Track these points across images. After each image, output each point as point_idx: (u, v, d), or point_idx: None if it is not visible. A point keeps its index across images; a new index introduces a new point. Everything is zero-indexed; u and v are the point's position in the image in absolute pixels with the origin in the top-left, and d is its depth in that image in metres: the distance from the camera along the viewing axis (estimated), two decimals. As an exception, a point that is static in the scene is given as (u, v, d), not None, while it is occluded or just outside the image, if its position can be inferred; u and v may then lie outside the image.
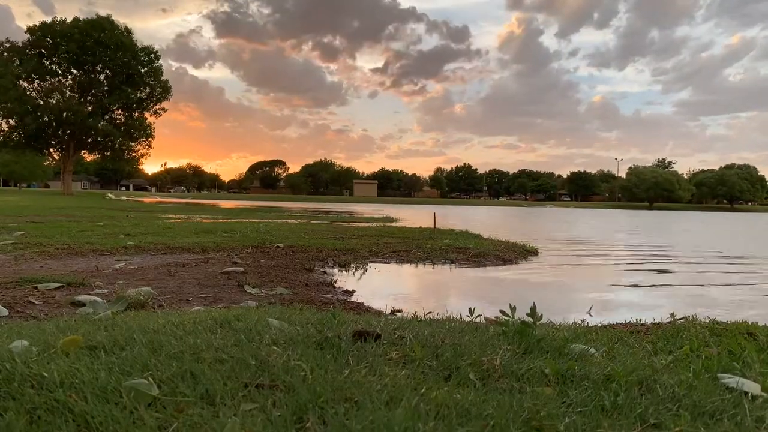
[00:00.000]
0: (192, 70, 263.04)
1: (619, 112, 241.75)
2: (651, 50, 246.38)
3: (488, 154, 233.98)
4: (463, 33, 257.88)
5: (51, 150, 51.74)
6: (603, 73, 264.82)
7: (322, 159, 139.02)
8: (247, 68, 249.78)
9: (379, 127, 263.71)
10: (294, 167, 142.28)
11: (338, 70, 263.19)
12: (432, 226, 13.83)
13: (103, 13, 54.29)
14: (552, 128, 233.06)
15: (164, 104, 52.14)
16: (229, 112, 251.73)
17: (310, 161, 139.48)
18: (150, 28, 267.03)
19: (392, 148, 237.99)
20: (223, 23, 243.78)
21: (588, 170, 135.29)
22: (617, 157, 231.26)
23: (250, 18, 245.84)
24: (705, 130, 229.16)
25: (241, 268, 6.40)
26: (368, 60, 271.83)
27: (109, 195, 50.88)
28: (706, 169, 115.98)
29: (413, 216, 27.38)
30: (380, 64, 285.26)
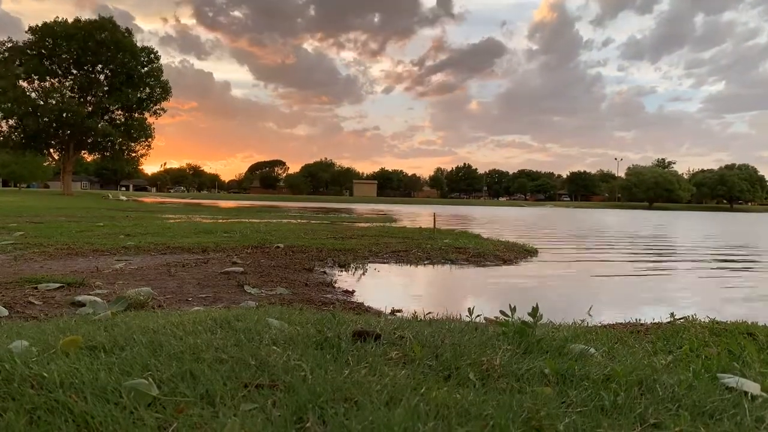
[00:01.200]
0: (197, 63, 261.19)
1: (641, 110, 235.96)
2: (690, 39, 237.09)
3: (498, 154, 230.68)
4: (490, 24, 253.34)
5: (51, 150, 51.71)
6: (633, 67, 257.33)
7: (323, 159, 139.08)
8: (256, 62, 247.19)
9: (390, 125, 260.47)
10: (294, 167, 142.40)
11: (352, 65, 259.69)
12: (432, 226, 13.83)
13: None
14: (568, 126, 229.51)
15: (164, 104, 52.17)
16: (235, 108, 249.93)
17: (318, 159, 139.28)
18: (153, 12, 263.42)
19: (402, 147, 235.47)
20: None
21: (591, 170, 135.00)
22: (631, 156, 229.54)
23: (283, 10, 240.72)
24: (727, 129, 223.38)
25: (241, 269, 6.40)
26: (386, 54, 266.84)
27: (109, 195, 50.87)
28: (715, 168, 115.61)
29: (414, 216, 27.36)
30: (397, 59, 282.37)
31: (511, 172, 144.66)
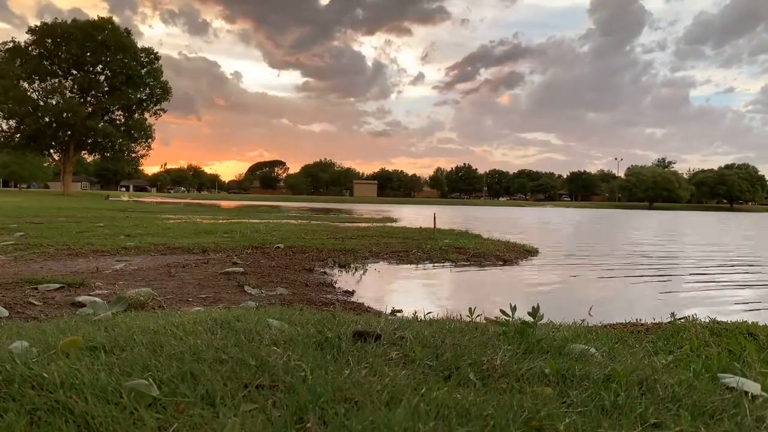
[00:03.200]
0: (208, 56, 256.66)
1: (684, 104, 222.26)
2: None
3: (515, 153, 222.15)
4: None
5: (51, 151, 51.79)
6: (691, 53, 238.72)
7: (322, 159, 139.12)
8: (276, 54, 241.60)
9: (413, 120, 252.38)
10: (294, 167, 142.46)
11: (379, 58, 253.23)
12: (432, 227, 13.83)
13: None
14: (600, 122, 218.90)
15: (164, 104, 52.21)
16: (251, 102, 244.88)
17: (319, 159, 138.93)
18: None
19: (420, 146, 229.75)
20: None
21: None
22: (651, 155, 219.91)
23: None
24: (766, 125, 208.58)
25: (241, 269, 6.40)
26: (412, 45, 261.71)
27: (109, 196, 50.90)
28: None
29: (414, 216, 27.36)
30: (424, 52, 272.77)
31: (511, 172, 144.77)
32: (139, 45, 50.25)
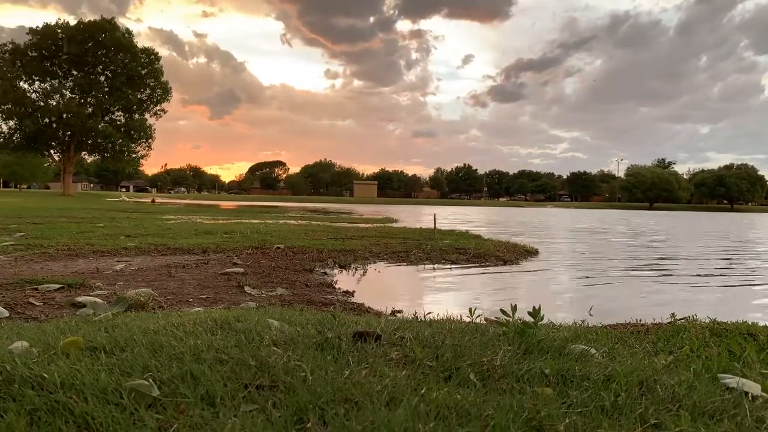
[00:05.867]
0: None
1: (756, 93, 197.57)
2: None
3: (540, 153, 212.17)
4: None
5: (51, 151, 51.78)
6: None
7: (322, 159, 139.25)
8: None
9: (447, 115, 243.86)
10: (294, 168, 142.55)
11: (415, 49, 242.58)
12: (432, 227, 13.83)
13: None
14: (649, 116, 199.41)
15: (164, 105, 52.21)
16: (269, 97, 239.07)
17: (318, 159, 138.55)
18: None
19: (448, 143, 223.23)
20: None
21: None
22: (681, 155, 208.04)
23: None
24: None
25: (242, 269, 6.40)
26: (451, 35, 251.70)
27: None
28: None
29: (416, 217, 27.36)
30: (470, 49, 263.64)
31: (511, 173, 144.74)
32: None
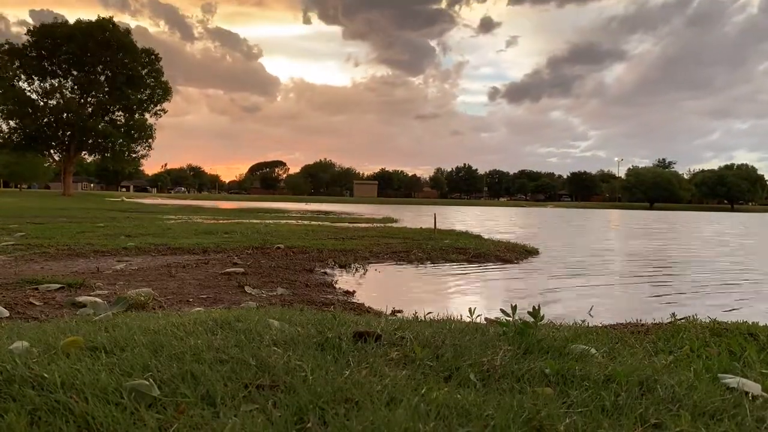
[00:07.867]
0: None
1: None
2: None
3: (561, 153, 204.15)
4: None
5: (51, 151, 51.76)
6: None
7: (322, 160, 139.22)
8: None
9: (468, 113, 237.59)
10: (294, 168, 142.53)
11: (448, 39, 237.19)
12: (432, 227, 13.83)
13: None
14: (688, 110, 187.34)
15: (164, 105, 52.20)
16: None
17: (318, 159, 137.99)
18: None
19: (465, 143, 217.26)
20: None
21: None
22: (706, 154, 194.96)
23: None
24: None
25: (242, 269, 6.40)
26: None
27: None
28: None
29: (417, 218, 27.36)
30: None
31: (511, 173, 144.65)
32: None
